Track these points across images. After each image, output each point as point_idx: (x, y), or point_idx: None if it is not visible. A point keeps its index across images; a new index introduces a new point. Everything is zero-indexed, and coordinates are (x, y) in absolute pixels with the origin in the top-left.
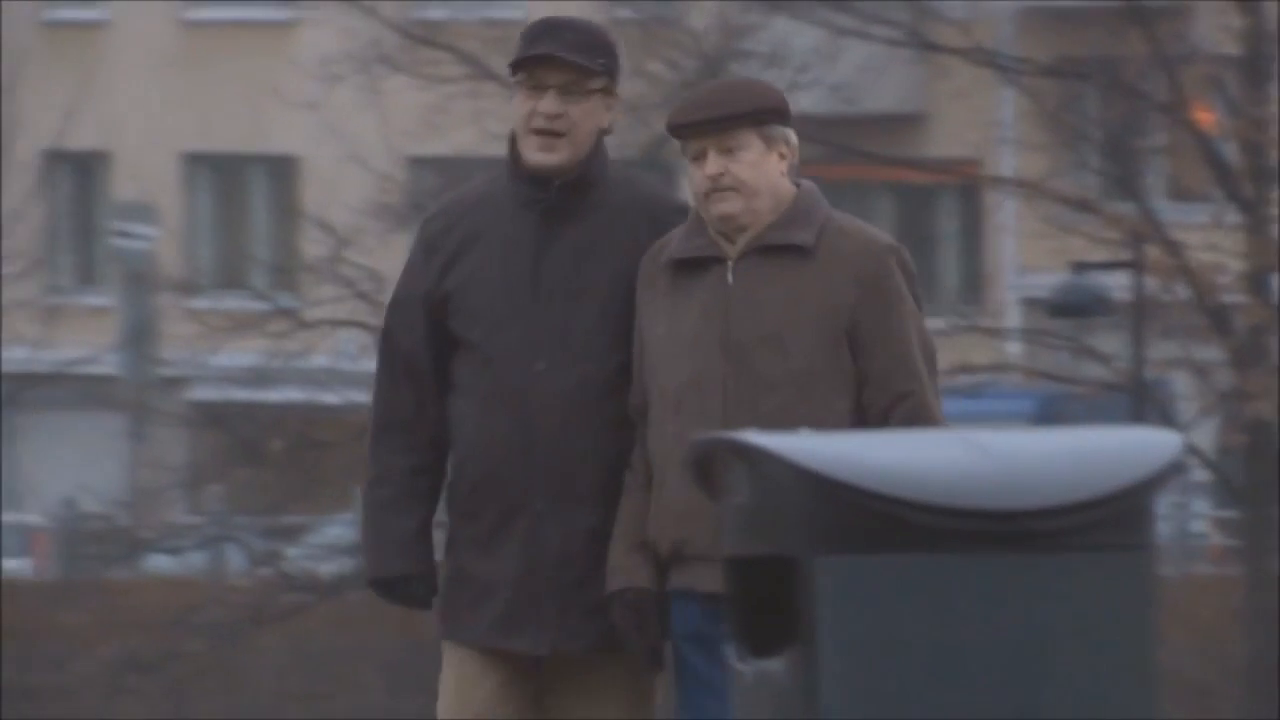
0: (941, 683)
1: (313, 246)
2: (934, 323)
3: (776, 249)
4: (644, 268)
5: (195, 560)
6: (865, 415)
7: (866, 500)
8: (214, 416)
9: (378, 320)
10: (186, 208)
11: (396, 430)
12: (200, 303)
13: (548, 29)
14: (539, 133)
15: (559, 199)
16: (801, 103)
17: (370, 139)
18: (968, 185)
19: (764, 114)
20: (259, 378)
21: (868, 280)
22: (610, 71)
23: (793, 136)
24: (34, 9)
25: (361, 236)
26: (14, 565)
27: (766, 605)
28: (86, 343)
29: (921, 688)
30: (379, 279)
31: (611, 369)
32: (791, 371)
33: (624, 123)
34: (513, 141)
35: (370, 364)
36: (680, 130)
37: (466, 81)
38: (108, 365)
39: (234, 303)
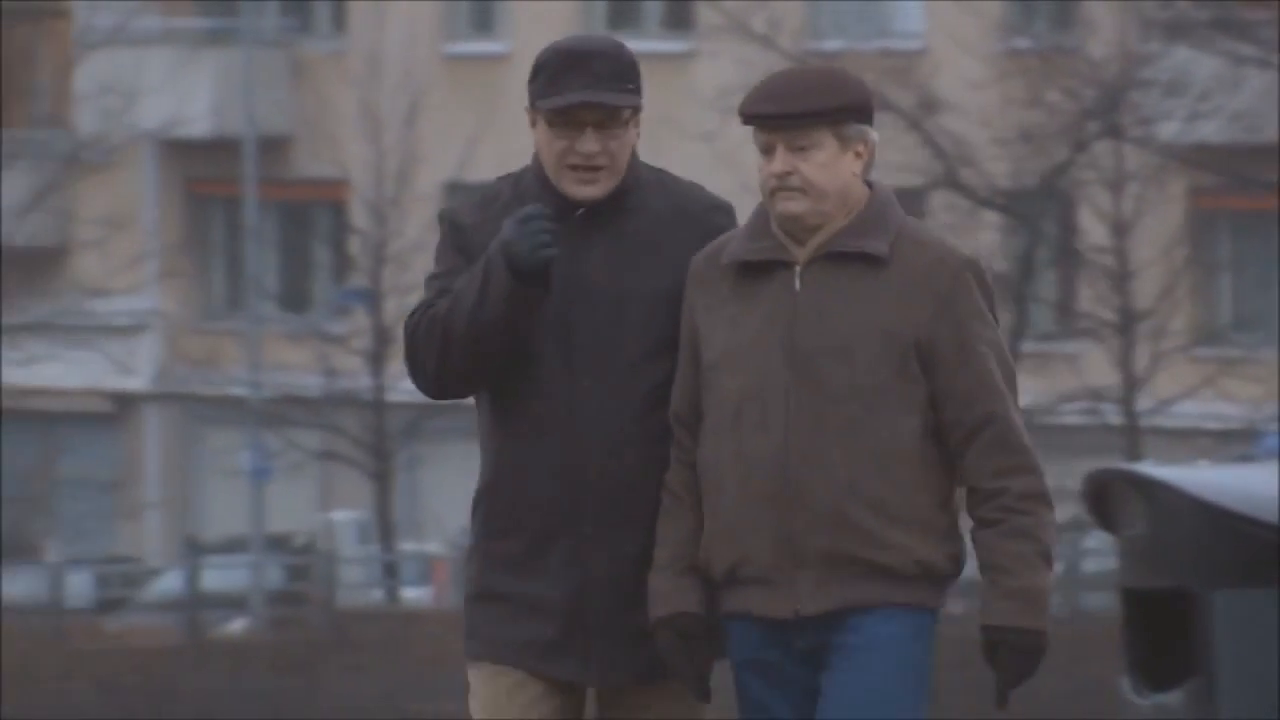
0: None
1: None
2: None
3: (848, 256)
4: (699, 268)
5: None
6: (948, 436)
7: (1266, 533)
8: None
9: None
10: None
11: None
12: None
13: (576, 62)
14: (576, 168)
15: (592, 212)
16: (1203, 132)
17: None
18: None
19: (842, 112)
20: None
21: (944, 295)
22: (640, 90)
23: (871, 135)
24: (436, 43)
25: None
26: (415, 594)
27: (1164, 638)
28: None
29: None
30: None
31: (660, 381)
32: (859, 385)
33: (1021, 151)
34: (539, 163)
35: None
36: (750, 120)
37: None
38: None
39: None
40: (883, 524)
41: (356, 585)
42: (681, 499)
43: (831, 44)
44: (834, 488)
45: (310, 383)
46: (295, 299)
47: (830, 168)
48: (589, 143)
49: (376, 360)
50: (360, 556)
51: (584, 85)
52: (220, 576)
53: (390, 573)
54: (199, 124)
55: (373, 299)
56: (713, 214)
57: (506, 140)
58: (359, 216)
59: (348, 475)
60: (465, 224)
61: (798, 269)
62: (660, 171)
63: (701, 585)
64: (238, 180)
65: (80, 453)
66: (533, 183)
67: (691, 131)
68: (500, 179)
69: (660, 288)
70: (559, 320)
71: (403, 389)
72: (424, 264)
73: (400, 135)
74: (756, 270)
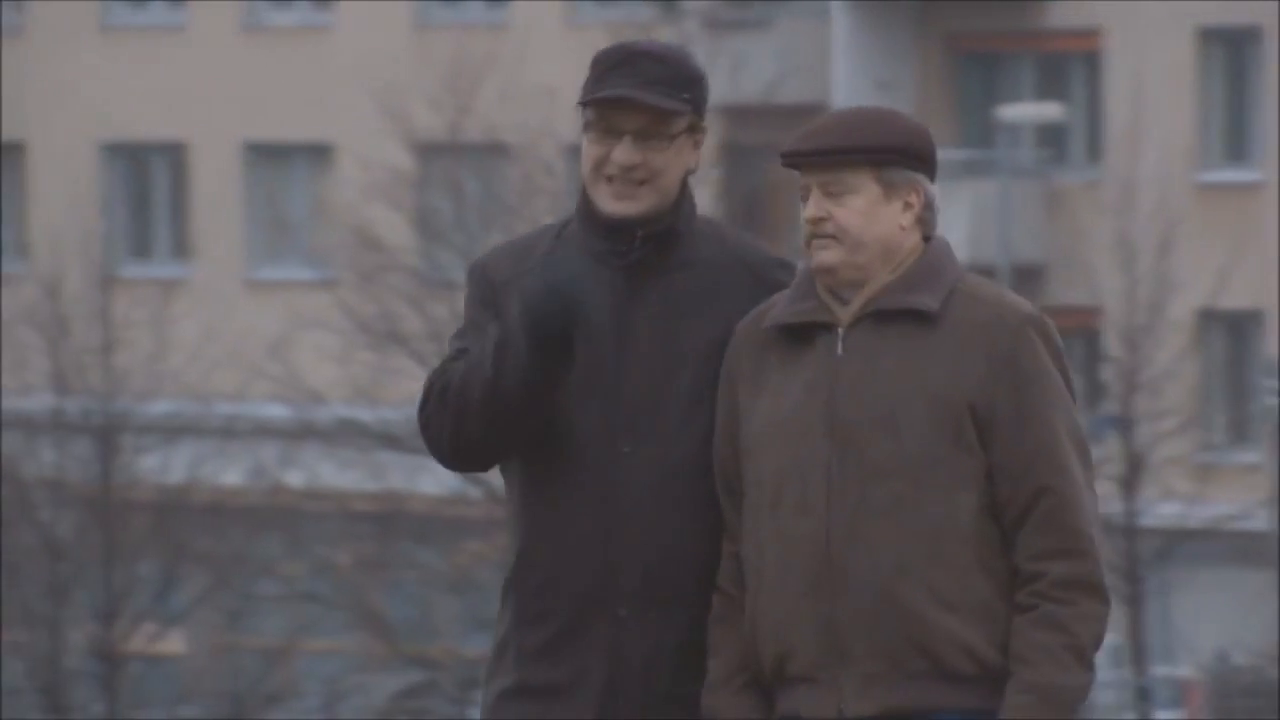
0: None
1: None
2: None
3: (894, 314)
4: (744, 334)
5: None
6: (1003, 514)
7: None
8: None
9: None
10: None
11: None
12: None
13: (623, 59)
14: (613, 180)
15: (643, 254)
16: None
17: None
18: None
19: (884, 153)
20: None
21: (1002, 355)
22: (697, 106)
23: (926, 186)
24: (1189, 171)
25: None
26: (1168, 717)
27: None
28: (1238, 499)
29: None
30: None
31: (705, 449)
32: (906, 457)
33: None
34: (584, 188)
35: None
36: (786, 161)
37: None
38: (1258, 521)
39: None
40: (936, 610)
41: (1109, 708)
42: (734, 601)
43: None
44: (880, 570)
45: None
46: None
47: (869, 215)
48: (627, 152)
49: (1128, 486)
50: (1114, 680)
51: (629, 85)
52: None
53: (1142, 696)
54: (956, 252)
55: (1125, 426)
56: (774, 269)
57: (1260, 269)
58: (1112, 344)
59: None
60: (495, 280)
61: (840, 331)
62: (717, 223)
63: (765, 702)
64: None
65: None
66: (577, 224)
67: None
68: (543, 227)
69: (715, 345)
70: (602, 377)
71: (1153, 513)
72: (1178, 392)
73: (1153, 263)
74: (800, 334)
